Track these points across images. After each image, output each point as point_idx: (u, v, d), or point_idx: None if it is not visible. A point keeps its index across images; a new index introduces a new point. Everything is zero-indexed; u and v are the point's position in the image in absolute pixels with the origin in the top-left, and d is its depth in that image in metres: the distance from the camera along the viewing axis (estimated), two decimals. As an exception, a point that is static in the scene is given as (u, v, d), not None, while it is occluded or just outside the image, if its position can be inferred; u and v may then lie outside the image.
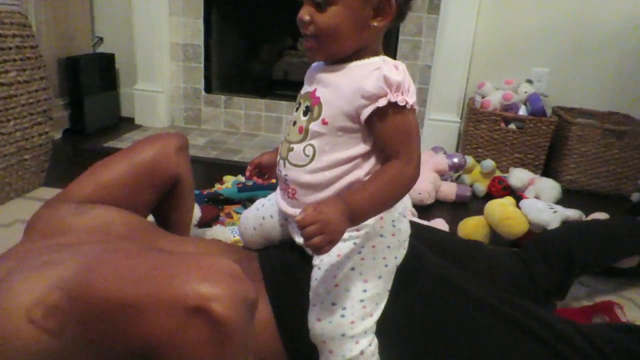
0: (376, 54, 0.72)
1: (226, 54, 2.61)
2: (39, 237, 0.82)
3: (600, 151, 1.96)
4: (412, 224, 0.87)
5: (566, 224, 1.32)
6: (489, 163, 1.87)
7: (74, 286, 0.57)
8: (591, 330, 0.84)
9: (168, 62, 2.48)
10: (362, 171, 0.72)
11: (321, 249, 0.62)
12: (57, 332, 0.57)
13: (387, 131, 0.68)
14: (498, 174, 1.91)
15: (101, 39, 2.56)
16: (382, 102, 0.66)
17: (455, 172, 1.92)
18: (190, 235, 1.14)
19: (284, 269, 0.81)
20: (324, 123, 0.71)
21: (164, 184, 0.98)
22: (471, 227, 1.43)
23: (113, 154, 0.96)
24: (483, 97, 2.12)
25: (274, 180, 1.58)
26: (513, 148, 2.04)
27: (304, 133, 0.73)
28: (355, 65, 0.71)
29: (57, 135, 2.24)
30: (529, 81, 2.15)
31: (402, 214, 0.78)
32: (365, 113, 0.68)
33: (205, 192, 1.59)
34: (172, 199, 1.02)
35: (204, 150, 2.21)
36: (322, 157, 0.72)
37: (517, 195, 1.54)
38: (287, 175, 0.76)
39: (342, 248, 0.73)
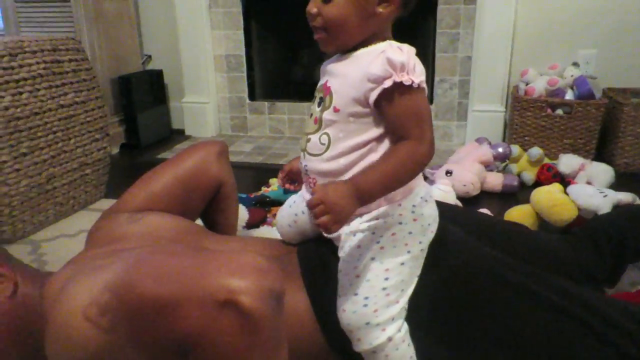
0: (385, 39, 0.73)
1: (267, 62, 2.68)
2: (97, 245, 0.89)
3: (656, 131, 1.87)
4: (448, 207, 0.88)
5: (618, 208, 1.28)
6: (536, 151, 1.83)
7: (120, 286, 0.64)
8: None
9: (213, 74, 2.58)
10: (377, 154, 0.73)
11: (330, 229, 0.65)
12: (110, 328, 0.64)
13: (396, 112, 0.70)
14: (547, 161, 1.86)
15: (149, 56, 2.69)
16: (387, 83, 0.67)
17: (502, 162, 1.89)
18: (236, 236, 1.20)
19: (319, 261, 0.84)
20: (336, 111, 0.73)
21: (208, 189, 1.04)
22: (517, 216, 1.41)
23: (159, 165, 1.04)
24: (527, 85, 2.07)
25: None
26: (562, 134, 1.98)
27: (319, 123, 0.76)
28: (362, 53, 0.73)
29: (115, 150, 2.38)
30: (575, 64, 2.09)
31: (425, 198, 0.78)
32: (373, 96, 0.69)
33: (253, 195, 1.65)
34: (217, 202, 1.07)
35: (250, 156, 2.28)
36: (337, 144, 0.74)
37: (567, 181, 1.50)
38: (307, 165, 0.79)
39: (361, 239, 0.74)
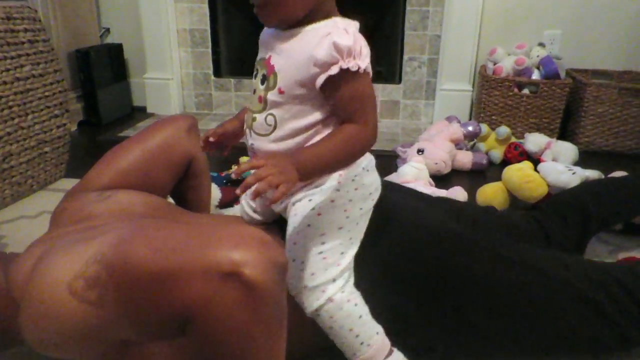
0: (329, 15, 0.71)
1: (233, 37, 2.61)
2: (64, 225, 0.84)
3: (617, 111, 1.94)
4: (421, 195, 0.89)
5: (582, 183, 1.32)
6: (504, 130, 1.86)
7: (111, 258, 0.60)
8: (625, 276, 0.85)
9: (176, 49, 2.49)
10: (323, 136, 0.72)
11: (276, 196, 0.62)
12: (98, 303, 0.60)
13: (341, 97, 0.69)
14: (513, 140, 1.90)
15: (108, 29, 2.57)
16: (334, 70, 0.66)
17: (470, 140, 1.92)
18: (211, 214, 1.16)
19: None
20: (281, 92, 0.71)
21: (178, 165, 0.99)
22: (490, 194, 1.43)
23: (125, 140, 0.98)
24: (495, 64, 2.10)
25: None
26: (528, 113, 2.02)
27: (264, 103, 0.74)
28: (307, 31, 0.70)
29: (73, 127, 2.27)
30: (541, 44, 2.12)
31: (366, 168, 0.78)
32: (319, 81, 0.67)
33: (224, 174, 1.61)
34: (188, 179, 1.03)
35: (218, 134, 2.22)
36: (283, 125, 0.73)
37: (535, 159, 1.53)
38: (253, 144, 0.77)
39: (299, 207, 0.75)
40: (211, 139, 0.87)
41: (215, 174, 1.57)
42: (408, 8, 2.26)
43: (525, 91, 2.01)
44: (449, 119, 1.97)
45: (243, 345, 0.57)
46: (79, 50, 2.22)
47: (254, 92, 0.76)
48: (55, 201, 0.92)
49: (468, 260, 0.84)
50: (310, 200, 0.75)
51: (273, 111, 0.73)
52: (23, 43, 1.45)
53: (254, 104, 0.75)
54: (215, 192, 1.40)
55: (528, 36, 2.20)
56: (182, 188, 1.04)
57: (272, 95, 0.72)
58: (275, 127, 0.74)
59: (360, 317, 0.75)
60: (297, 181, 0.66)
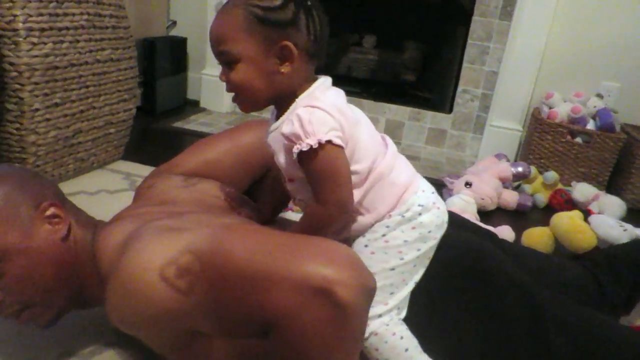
0: (298, 92, 0.73)
1: (292, 46, 2.66)
2: (151, 203, 0.89)
3: (668, 172, 1.92)
4: (482, 231, 0.90)
5: (635, 242, 1.32)
6: (552, 175, 1.86)
7: (206, 252, 0.62)
8: None
9: (237, 50, 2.54)
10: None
11: None
12: (187, 292, 0.63)
13: (307, 176, 0.72)
14: (560, 186, 1.90)
15: (174, 22, 2.65)
16: (295, 154, 0.69)
17: (516, 181, 1.92)
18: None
19: None
20: (291, 180, 0.77)
21: (259, 168, 1.03)
22: (536, 237, 1.43)
23: (216, 134, 1.03)
24: (550, 108, 2.10)
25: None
26: (577, 162, 2.02)
27: (293, 197, 0.81)
28: (281, 123, 0.73)
29: (130, 112, 2.35)
30: (599, 95, 2.12)
31: (424, 206, 0.79)
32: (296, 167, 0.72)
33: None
34: (262, 183, 1.07)
35: (266, 138, 2.27)
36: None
37: (584, 209, 1.54)
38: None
39: (355, 243, 0.78)
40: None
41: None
42: (469, 41, 2.29)
43: (578, 140, 2.01)
44: (498, 156, 1.98)
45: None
46: (147, 40, 2.30)
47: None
48: (112, 181, 0.98)
49: (539, 324, 0.83)
50: (364, 236, 0.78)
51: (298, 196, 0.79)
52: (107, 28, 1.52)
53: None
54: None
55: (585, 85, 2.19)
56: (254, 190, 1.07)
57: (290, 186, 0.78)
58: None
59: (407, 350, 0.77)
60: None
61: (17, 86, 1.26)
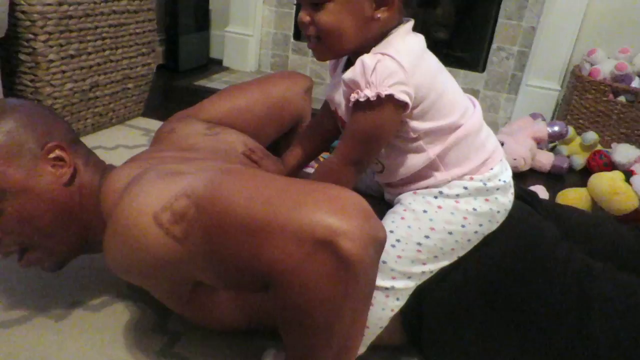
0: (379, 40, 0.67)
1: (319, 2, 2.56)
2: (167, 147, 0.85)
3: None
4: (527, 192, 0.82)
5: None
6: (592, 135, 1.75)
7: (202, 197, 0.58)
8: None
9: (261, 6, 2.47)
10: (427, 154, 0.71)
11: None
12: (182, 238, 0.58)
13: (347, 124, 0.69)
14: (599, 148, 1.79)
15: (197, -22, 2.57)
16: (350, 103, 0.66)
17: (552, 141, 1.82)
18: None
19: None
20: None
21: (289, 121, 0.99)
22: (572, 199, 1.35)
23: (247, 82, 0.98)
24: (592, 65, 1.96)
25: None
26: (619, 122, 1.89)
27: None
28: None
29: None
30: (647, 51, 1.97)
31: (504, 181, 0.73)
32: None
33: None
34: (289, 138, 1.02)
35: (290, 97, 2.21)
36: (389, 165, 0.75)
37: (627, 171, 1.43)
38: (377, 179, 0.81)
39: (425, 192, 0.72)
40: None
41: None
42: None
43: (621, 99, 1.88)
44: (534, 115, 1.87)
45: (327, 319, 0.53)
46: (169, -5, 2.24)
47: None
48: (131, 137, 0.94)
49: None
50: (435, 187, 0.73)
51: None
52: (123, -23, 1.47)
53: None
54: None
55: (631, 41, 2.04)
56: (280, 144, 1.03)
57: None
58: (384, 167, 0.75)
59: (392, 310, 0.73)
60: None
61: (30, 36, 1.23)
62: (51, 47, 1.27)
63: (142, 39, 1.58)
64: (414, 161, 0.71)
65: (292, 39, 2.50)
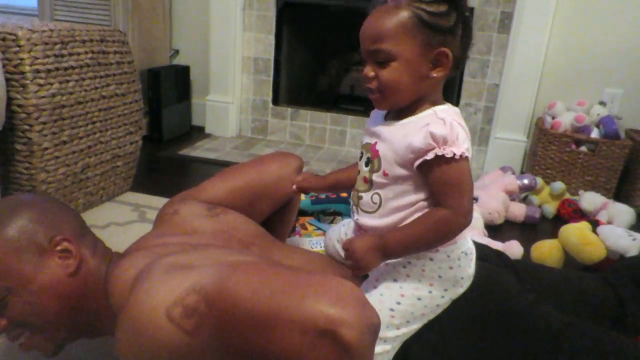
0: (435, 103, 0.77)
1: (295, 68, 2.70)
2: (171, 232, 0.90)
3: (677, 177, 1.91)
4: (496, 253, 0.90)
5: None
6: (559, 185, 1.86)
7: (211, 292, 0.63)
8: None
9: (239, 75, 2.59)
10: (423, 213, 0.77)
11: (353, 273, 0.78)
12: (193, 332, 0.63)
13: (436, 181, 0.73)
14: (567, 196, 1.90)
15: (177, 51, 2.69)
16: (430, 156, 0.71)
17: (523, 192, 1.92)
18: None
19: None
20: (385, 175, 0.78)
21: (282, 199, 1.06)
22: (546, 251, 1.43)
23: (243, 163, 1.06)
24: (553, 118, 2.11)
25: (345, 194, 1.64)
26: (584, 171, 2.02)
27: (369, 183, 0.81)
28: (409, 122, 0.77)
29: (136, 141, 2.38)
30: (602, 103, 2.12)
31: (466, 253, 0.81)
32: (415, 165, 0.74)
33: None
34: (281, 213, 1.10)
35: (272, 161, 2.29)
36: (387, 203, 0.79)
37: (593, 220, 1.53)
38: (358, 219, 0.84)
39: (394, 263, 0.79)
40: (296, 187, 0.99)
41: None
42: (469, 56, 2.30)
43: (583, 148, 2.01)
44: (504, 169, 1.98)
45: None
46: (151, 70, 2.34)
47: (359, 173, 0.83)
48: (121, 213, 0.99)
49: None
50: (405, 259, 0.79)
51: (379, 191, 0.79)
52: (112, 64, 1.56)
53: (360, 185, 0.83)
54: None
55: (588, 93, 2.20)
56: (272, 219, 1.09)
57: (377, 177, 0.79)
58: (380, 206, 0.80)
59: None
60: (375, 266, 0.77)
61: (26, 127, 1.29)
62: (45, 135, 1.33)
63: (129, 118, 1.66)
64: (408, 200, 0.78)
65: (270, 104, 2.61)
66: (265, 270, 0.66)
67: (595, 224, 1.47)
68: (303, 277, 0.63)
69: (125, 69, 1.62)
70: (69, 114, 1.40)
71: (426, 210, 0.77)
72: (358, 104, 2.66)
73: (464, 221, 0.74)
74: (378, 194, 0.80)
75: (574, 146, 2.02)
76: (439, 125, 0.72)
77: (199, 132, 2.65)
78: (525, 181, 1.83)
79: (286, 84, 2.67)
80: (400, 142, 0.75)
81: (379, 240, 0.76)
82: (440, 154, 0.70)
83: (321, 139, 2.59)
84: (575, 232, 1.39)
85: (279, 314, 0.58)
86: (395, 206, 0.78)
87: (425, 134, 0.71)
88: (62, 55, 1.37)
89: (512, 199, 1.84)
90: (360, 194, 0.82)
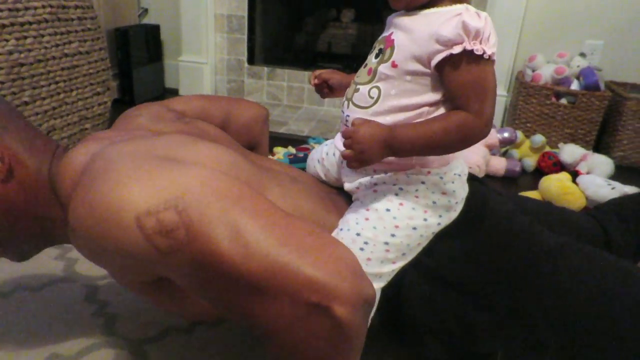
0: (460, 2, 0.67)
1: (270, 26, 2.61)
2: (131, 127, 0.79)
3: (655, 127, 1.91)
4: (482, 185, 0.87)
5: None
6: (539, 138, 1.85)
7: (196, 223, 0.53)
8: None
9: (212, 34, 2.49)
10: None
11: (349, 163, 0.68)
12: (165, 253, 0.54)
13: (459, 81, 0.65)
14: (548, 149, 1.89)
15: (146, 10, 2.58)
16: (457, 49, 0.62)
17: (503, 147, 1.91)
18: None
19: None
20: (394, 66, 0.69)
21: (245, 144, 0.99)
22: (526, 202, 1.42)
23: (217, 95, 1.02)
24: (534, 71, 2.08)
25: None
26: (564, 123, 2.00)
27: (372, 75, 0.72)
28: (434, 11, 0.67)
29: (107, 105, 2.30)
30: (582, 54, 2.09)
31: (459, 174, 0.75)
32: (437, 58, 0.64)
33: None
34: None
35: (249, 122, 2.23)
36: (386, 101, 0.70)
37: (573, 171, 1.52)
38: (348, 116, 0.75)
39: (385, 190, 0.73)
40: (316, 81, 0.90)
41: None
42: None
43: (563, 101, 1.99)
44: (484, 123, 1.95)
45: None
46: (118, 29, 2.24)
47: (365, 66, 0.74)
48: None
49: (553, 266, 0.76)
50: (394, 184, 0.72)
51: (379, 84, 0.70)
52: (72, 20, 1.47)
53: (361, 76, 0.74)
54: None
55: (568, 45, 2.17)
56: None
57: (383, 68, 0.70)
58: (377, 101, 0.71)
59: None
60: (377, 160, 0.67)
61: (-18, 86, 1.22)
62: (4, 96, 1.26)
63: (96, 78, 1.58)
64: (411, 101, 0.69)
65: (246, 64, 2.53)
66: (264, 216, 0.56)
67: (574, 174, 1.46)
68: (302, 236, 0.55)
69: (89, 25, 1.53)
70: (28, 73, 1.32)
71: (429, 118, 0.69)
72: (336, 61, 2.60)
73: (486, 130, 0.65)
74: (378, 88, 0.71)
75: (554, 99, 1.99)
76: (474, 17, 0.62)
77: (172, 94, 2.57)
78: (506, 134, 1.81)
79: (262, 43, 2.58)
80: (422, 31, 0.66)
81: (388, 132, 0.66)
82: (469, 48, 0.61)
83: (299, 99, 2.53)
84: (555, 182, 1.38)
85: (270, 281, 0.52)
86: (394, 105, 0.70)
87: (457, 23, 0.62)
88: (18, 10, 1.28)
89: (493, 153, 1.83)
90: (359, 86, 0.73)
